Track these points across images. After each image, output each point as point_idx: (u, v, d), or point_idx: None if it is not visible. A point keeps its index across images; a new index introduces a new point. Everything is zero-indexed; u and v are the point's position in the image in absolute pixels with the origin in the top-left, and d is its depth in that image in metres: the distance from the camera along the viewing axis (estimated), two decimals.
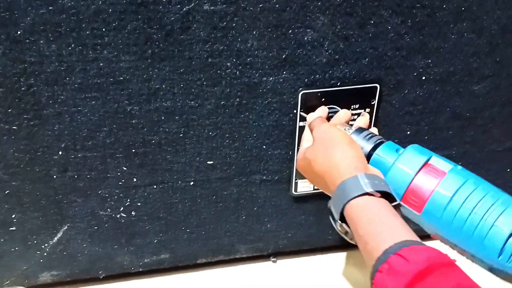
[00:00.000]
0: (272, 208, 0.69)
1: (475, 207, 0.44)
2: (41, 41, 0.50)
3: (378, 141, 0.53)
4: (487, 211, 0.44)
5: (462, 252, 0.46)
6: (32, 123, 0.55)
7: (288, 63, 0.57)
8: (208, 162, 0.62)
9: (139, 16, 0.51)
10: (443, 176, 0.47)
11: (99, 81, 0.53)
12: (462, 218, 0.44)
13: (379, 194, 0.46)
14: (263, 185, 0.66)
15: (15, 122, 0.54)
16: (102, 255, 0.66)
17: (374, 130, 0.59)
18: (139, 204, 0.63)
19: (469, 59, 0.62)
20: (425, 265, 0.37)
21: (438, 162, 0.49)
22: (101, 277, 0.68)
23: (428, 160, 0.49)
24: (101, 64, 0.52)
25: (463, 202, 0.45)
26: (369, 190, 0.45)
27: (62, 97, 0.54)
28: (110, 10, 0.50)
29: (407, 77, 0.61)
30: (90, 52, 0.52)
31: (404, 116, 0.64)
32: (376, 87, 0.60)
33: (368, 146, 0.53)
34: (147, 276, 0.70)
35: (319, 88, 0.59)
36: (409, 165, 0.49)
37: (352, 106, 0.60)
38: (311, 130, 0.57)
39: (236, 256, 0.72)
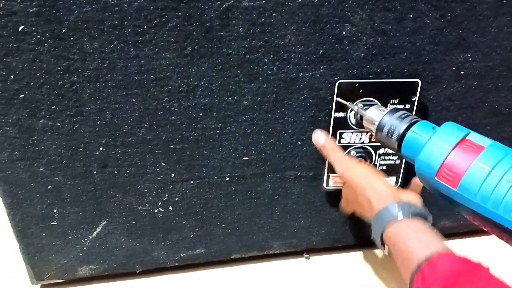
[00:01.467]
0: (306, 205, 0.69)
1: None
2: (84, 39, 0.51)
3: (414, 120, 0.52)
4: None
5: (499, 231, 0.43)
6: (74, 119, 0.56)
7: (326, 58, 0.57)
8: (244, 158, 0.63)
9: (180, 13, 0.51)
10: (481, 150, 0.44)
11: (140, 78, 0.54)
12: (502, 191, 0.42)
13: (410, 218, 0.50)
14: (297, 181, 0.67)
15: (58, 119, 0.55)
16: (139, 249, 0.67)
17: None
18: (176, 199, 0.64)
19: (509, 54, 0.61)
20: (451, 273, 0.40)
21: (477, 137, 0.46)
22: (138, 271, 0.69)
23: (466, 136, 0.47)
24: (142, 61, 0.53)
25: (504, 175, 0.42)
26: (400, 218, 0.50)
27: (104, 94, 0.55)
28: (152, 7, 0.51)
29: (445, 72, 0.61)
30: (132, 49, 0.52)
31: (441, 112, 0.63)
32: (418, 82, 0.59)
33: (402, 125, 0.52)
34: (182, 271, 0.71)
35: (356, 77, 0.59)
36: (446, 140, 0.47)
37: (391, 101, 0.59)
38: (333, 163, 0.61)
39: (270, 252, 0.73)
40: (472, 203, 0.44)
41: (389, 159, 0.64)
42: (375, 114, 0.56)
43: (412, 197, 0.56)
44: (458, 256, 0.42)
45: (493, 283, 0.39)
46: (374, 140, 0.61)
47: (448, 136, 0.47)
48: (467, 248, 0.45)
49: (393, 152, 0.62)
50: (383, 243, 0.52)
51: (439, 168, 0.46)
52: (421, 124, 0.51)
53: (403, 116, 0.53)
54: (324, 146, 0.61)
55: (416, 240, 0.47)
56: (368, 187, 0.55)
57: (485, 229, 0.45)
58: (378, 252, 0.74)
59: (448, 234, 0.74)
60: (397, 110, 0.54)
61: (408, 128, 0.52)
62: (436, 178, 0.46)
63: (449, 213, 0.73)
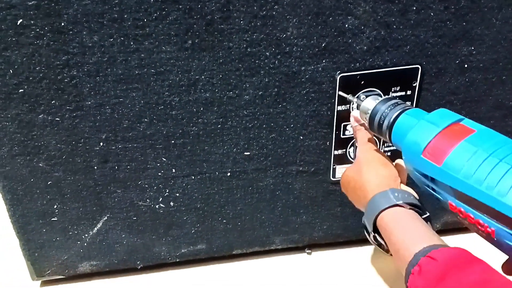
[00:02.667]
0: (308, 200, 0.68)
1: (505, 157, 0.40)
2: (84, 32, 0.50)
3: (407, 108, 0.51)
4: None
5: (478, 211, 0.41)
6: (74, 114, 0.55)
7: (328, 51, 0.56)
8: (245, 153, 0.62)
9: (180, 6, 0.51)
10: (471, 133, 0.44)
11: (140, 72, 0.54)
12: (487, 168, 0.40)
13: (408, 206, 0.49)
14: (299, 176, 0.66)
15: (58, 114, 0.55)
16: (140, 245, 0.67)
17: None
18: (177, 194, 0.63)
19: None
20: (452, 263, 0.39)
21: (469, 123, 0.45)
22: (139, 267, 0.69)
23: (458, 120, 0.46)
24: (142, 55, 0.53)
25: (492, 153, 0.40)
26: (399, 202, 0.49)
27: (104, 88, 0.54)
28: (152, 0, 0.50)
29: (449, 65, 0.60)
30: (132, 43, 0.52)
31: (445, 105, 0.63)
32: (418, 68, 0.58)
33: (394, 113, 0.51)
34: (183, 267, 0.71)
35: (358, 71, 0.58)
36: (437, 122, 0.46)
37: (393, 89, 0.59)
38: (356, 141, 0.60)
39: (271, 248, 0.72)
40: (455, 180, 0.42)
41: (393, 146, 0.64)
42: (370, 103, 0.55)
43: (411, 190, 0.55)
44: (456, 249, 0.41)
45: (490, 274, 0.38)
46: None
47: (440, 119, 0.46)
48: (469, 243, 0.44)
49: None
50: (375, 229, 0.51)
51: (426, 146, 0.45)
52: (413, 110, 0.51)
53: (395, 104, 0.52)
54: (353, 127, 0.60)
55: (412, 230, 0.46)
56: (372, 171, 0.54)
57: (463, 218, 0.44)
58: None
59: (451, 229, 0.74)
60: (391, 99, 0.54)
61: (399, 115, 0.51)
62: (421, 156, 0.45)
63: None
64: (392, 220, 0.48)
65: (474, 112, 0.64)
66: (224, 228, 0.68)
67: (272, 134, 0.62)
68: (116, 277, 0.69)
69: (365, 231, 0.54)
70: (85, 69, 0.52)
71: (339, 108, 0.60)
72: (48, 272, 0.67)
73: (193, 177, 0.63)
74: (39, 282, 0.69)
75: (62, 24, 0.50)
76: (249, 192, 0.66)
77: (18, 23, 0.49)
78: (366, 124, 0.55)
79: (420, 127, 0.47)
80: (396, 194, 0.50)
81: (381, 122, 0.52)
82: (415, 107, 0.61)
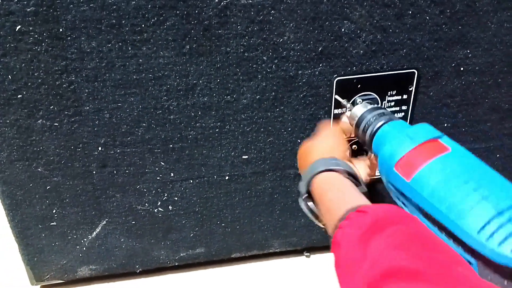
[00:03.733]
0: None
1: (470, 180, 0.40)
2: (82, 38, 0.51)
3: (392, 119, 0.52)
4: (482, 186, 0.39)
5: (439, 231, 0.42)
6: (72, 119, 0.55)
7: (325, 56, 0.57)
8: (243, 157, 0.63)
9: (178, 12, 0.51)
10: (445, 151, 0.44)
11: (138, 77, 0.54)
12: (451, 189, 0.40)
13: (346, 174, 0.49)
14: (297, 180, 0.66)
15: (56, 119, 0.55)
16: (139, 249, 0.67)
17: None
18: (176, 198, 0.63)
19: (509, 50, 0.61)
20: (383, 215, 0.37)
21: (447, 141, 0.46)
22: (138, 271, 0.69)
23: (437, 137, 0.46)
24: (140, 60, 0.53)
25: (458, 175, 0.41)
26: (334, 167, 0.49)
27: (102, 93, 0.54)
28: (150, 5, 0.50)
29: (445, 69, 0.60)
30: (130, 48, 0.52)
31: (441, 108, 0.63)
32: (414, 72, 0.59)
33: (377, 122, 0.52)
34: (182, 270, 0.71)
35: (355, 75, 0.59)
36: (415, 136, 0.46)
37: (389, 93, 0.59)
38: None
39: (270, 251, 0.72)
40: (420, 198, 0.43)
41: None
42: (359, 110, 0.56)
43: (356, 169, 0.53)
44: (388, 205, 0.40)
45: (423, 227, 0.37)
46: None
47: (419, 134, 0.46)
48: None
49: None
50: (309, 194, 0.50)
51: (399, 159, 0.45)
52: (396, 122, 0.51)
53: (382, 114, 0.53)
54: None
55: (345, 192, 0.46)
56: (323, 140, 0.56)
57: None
58: None
59: None
60: (379, 108, 0.54)
61: (382, 126, 0.51)
62: (394, 169, 0.46)
63: None
64: (326, 182, 0.48)
65: (470, 115, 0.65)
66: (222, 231, 0.69)
67: (270, 138, 0.62)
68: (115, 281, 0.70)
69: (299, 198, 0.52)
70: (84, 75, 0.53)
71: (336, 111, 0.60)
72: (47, 276, 0.67)
73: (191, 181, 0.63)
74: (38, 286, 0.69)
75: (61, 30, 0.50)
76: (247, 195, 0.66)
77: (17, 30, 0.49)
78: (353, 129, 0.56)
79: (397, 140, 0.47)
80: (335, 161, 0.50)
81: (365, 130, 0.53)
82: (412, 110, 0.62)
